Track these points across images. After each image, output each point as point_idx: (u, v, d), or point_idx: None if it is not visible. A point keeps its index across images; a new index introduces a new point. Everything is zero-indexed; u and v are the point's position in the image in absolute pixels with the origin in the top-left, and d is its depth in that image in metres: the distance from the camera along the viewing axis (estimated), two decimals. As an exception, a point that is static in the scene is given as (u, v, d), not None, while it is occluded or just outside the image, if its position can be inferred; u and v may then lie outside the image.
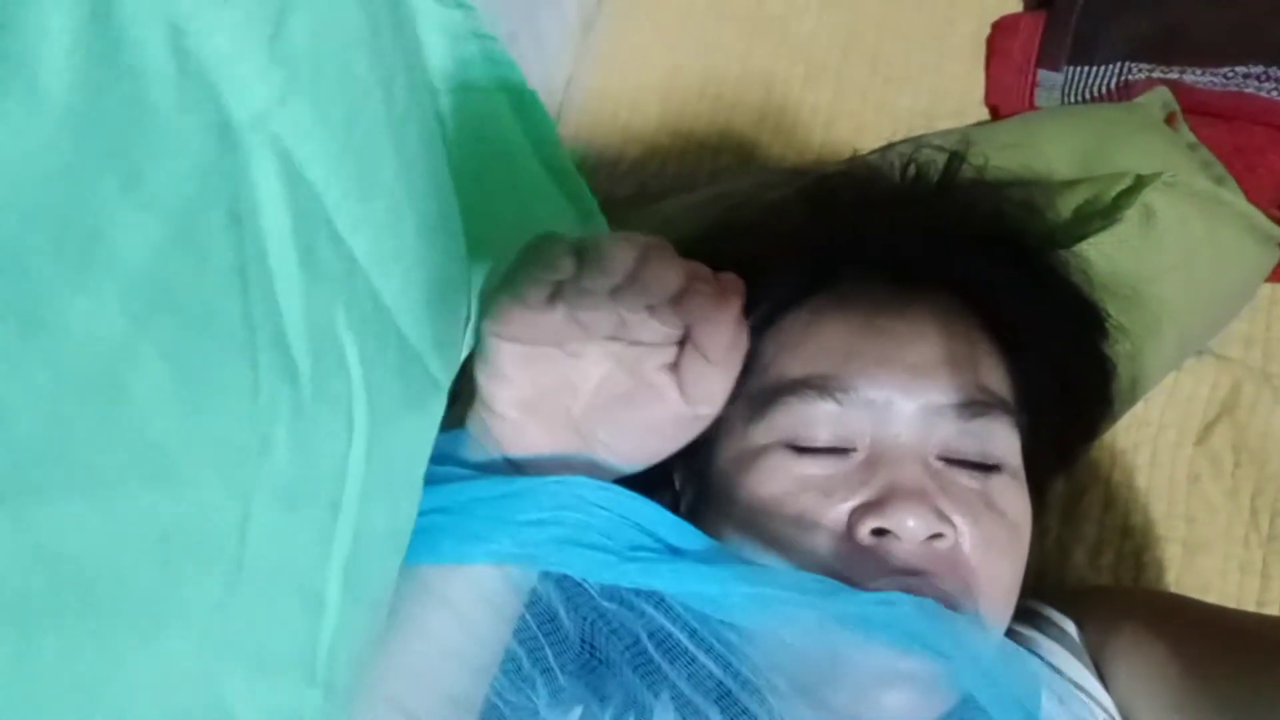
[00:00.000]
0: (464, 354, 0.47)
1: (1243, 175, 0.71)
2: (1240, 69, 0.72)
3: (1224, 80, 0.72)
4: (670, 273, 0.42)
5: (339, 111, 0.31)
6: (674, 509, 0.48)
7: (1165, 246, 0.62)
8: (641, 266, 0.42)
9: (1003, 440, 0.48)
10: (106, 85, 0.23)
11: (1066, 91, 0.76)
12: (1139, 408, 0.66)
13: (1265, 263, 0.67)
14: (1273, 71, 0.71)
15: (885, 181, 0.59)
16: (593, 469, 0.46)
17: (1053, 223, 0.61)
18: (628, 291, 0.41)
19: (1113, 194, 0.62)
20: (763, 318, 0.52)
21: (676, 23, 0.85)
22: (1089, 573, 0.64)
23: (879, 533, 0.45)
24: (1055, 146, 0.67)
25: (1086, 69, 0.75)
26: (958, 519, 0.46)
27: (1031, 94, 0.77)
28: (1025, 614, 0.54)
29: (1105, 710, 0.49)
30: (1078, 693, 0.49)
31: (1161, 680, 0.46)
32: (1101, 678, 0.50)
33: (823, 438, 0.48)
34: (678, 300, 0.42)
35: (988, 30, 0.81)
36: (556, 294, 0.41)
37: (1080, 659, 0.50)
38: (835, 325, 0.50)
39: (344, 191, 0.32)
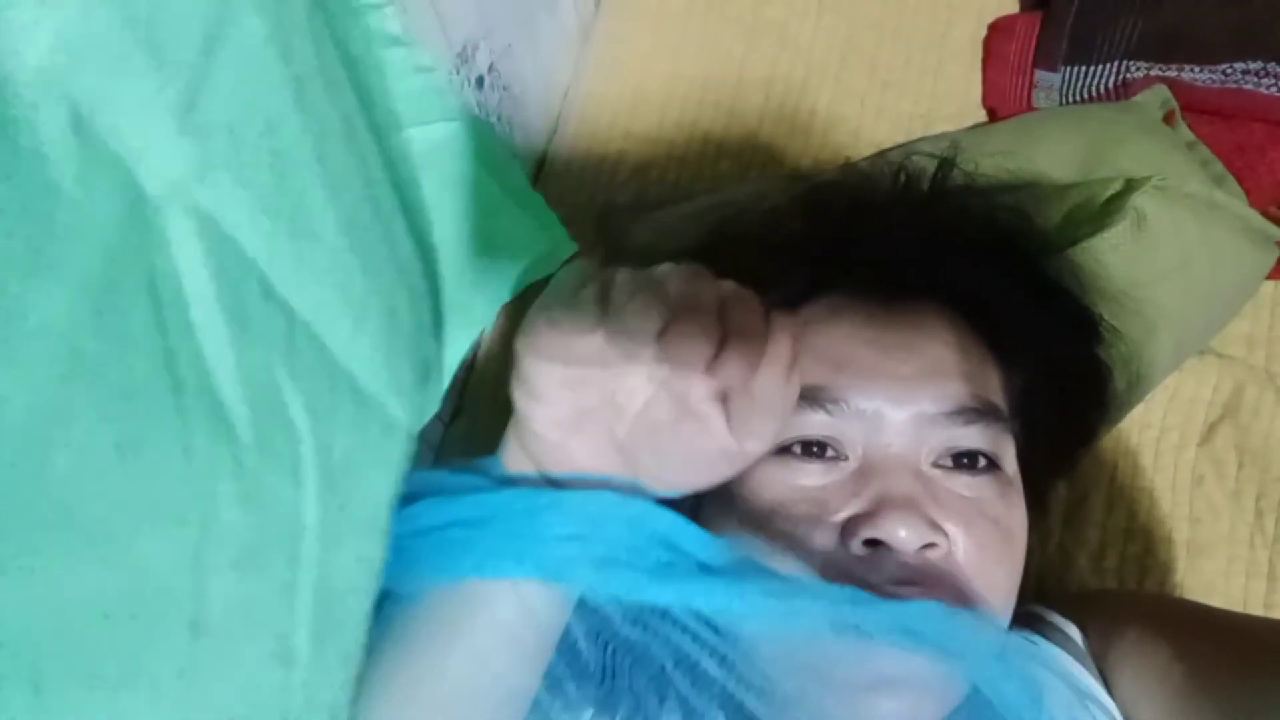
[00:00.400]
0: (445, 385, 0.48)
1: (1242, 173, 0.70)
2: (1239, 66, 0.71)
3: (1223, 77, 0.72)
4: (708, 290, 0.42)
5: (266, 175, 0.32)
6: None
7: (1159, 250, 0.62)
8: (681, 287, 0.41)
9: (995, 447, 0.48)
10: (6, 169, 0.24)
11: (1064, 92, 0.76)
12: (1141, 410, 0.66)
13: (1263, 263, 0.67)
14: (1271, 68, 0.70)
15: (877, 189, 0.59)
16: (634, 491, 0.46)
17: (1045, 227, 0.61)
18: (668, 312, 0.40)
19: (1103, 198, 0.62)
20: None
21: (675, 28, 0.85)
22: (1092, 576, 0.63)
23: (872, 543, 0.45)
24: (1053, 148, 0.67)
25: (1084, 69, 0.75)
26: (950, 527, 0.46)
27: (1029, 95, 0.77)
28: (1028, 619, 0.54)
29: (1109, 715, 0.48)
30: (1081, 698, 0.49)
31: (1165, 685, 0.45)
32: (1105, 682, 0.50)
33: (814, 448, 0.48)
34: (720, 321, 0.41)
35: (985, 32, 0.81)
36: (596, 315, 0.40)
37: (1084, 664, 0.50)
38: (827, 336, 0.50)
39: (277, 251, 0.33)
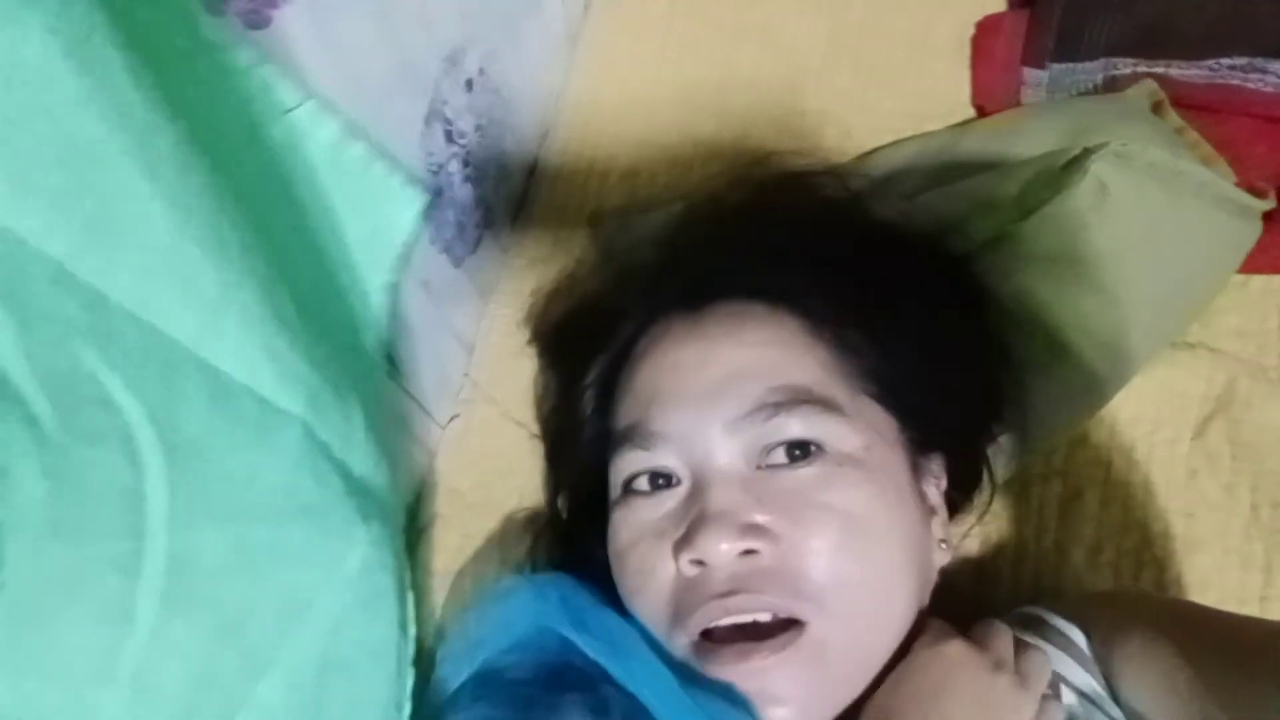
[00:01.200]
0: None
1: (1231, 166, 0.70)
2: (1225, 61, 0.71)
3: (1209, 73, 0.72)
4: None
5: (53, 171, 0.33)
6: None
7: (1123, 219, 0.61)
8: None
9: (814, 431, 0.48)
10: None
11: (1052, 89, 0.76)
12: (1134, 404, 0.66)
13: (1241, 234, 0.66)
14: (1257, 63, 0.70)
15: (702, 215, 0.63)
16: None
17: (935, 215, 0.62)
18: None
19: (1060, 164, 0.62)
20: (603, 376, 0.56)
21: (660, 32, 0.85)
22: (1088, 572, 0.63)
23: (698, 563, 0.47)
24: (1037, 139, 0.67)
25: (1072, 66, 0.75)
26: (778, 525, 0.46)
27: (1017, 92, 0.77)
28: (1030, 622, 0.54)
29: (1113, 719, 0.48)
30: (1085, 701, 0.49)
31: (1168, 687, 0.45)
32: (1109, 685, 0.49)
33: (650, 483, 0.50)
34: None
35: (971, 30, 0.81)
36: None
37: (1087, 667, 0.50)
38: (641, 372, 0.53)
39: (78, 242, 0.35)
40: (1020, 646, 0.49)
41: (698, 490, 0.48)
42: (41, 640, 0.35)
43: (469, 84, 0.66)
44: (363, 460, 0.51)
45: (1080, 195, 0.60)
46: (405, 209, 0.56)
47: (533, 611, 0.53)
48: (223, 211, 0.39)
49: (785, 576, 0.46)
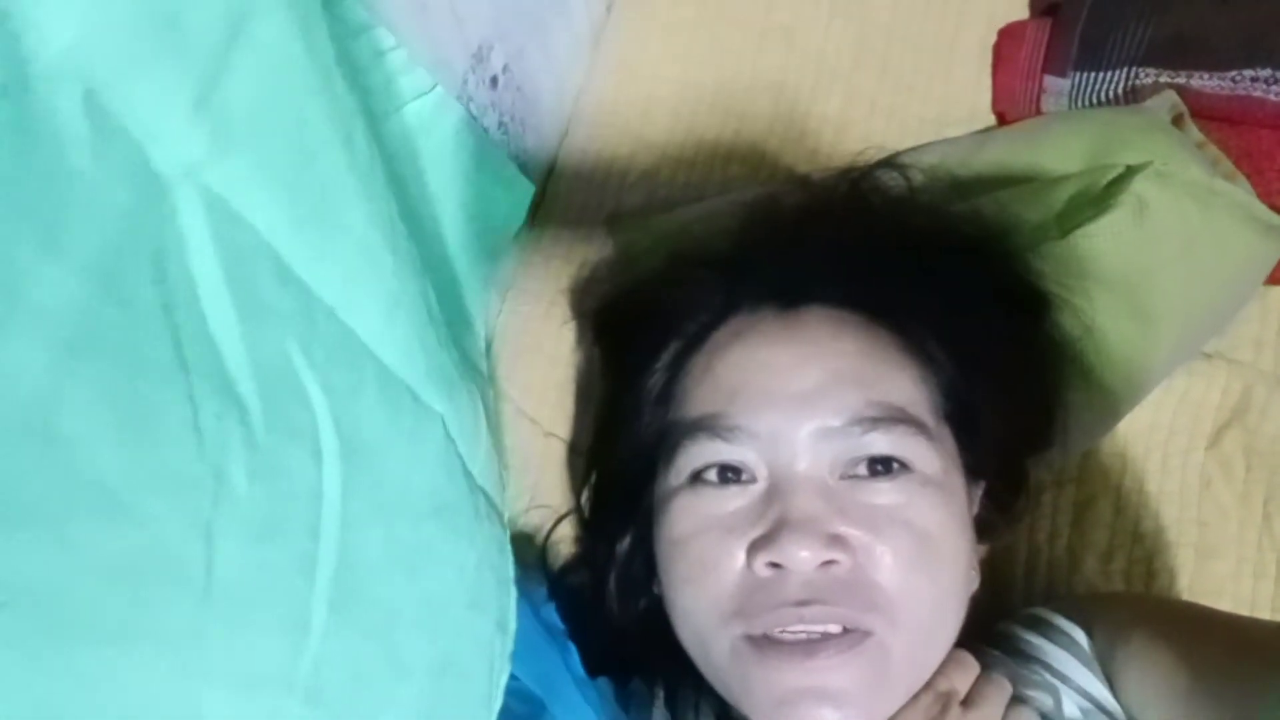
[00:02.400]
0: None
1: (1250, 178, 0.70)
2: (1248, 73, 0.71)
3: (1231, 84, 0.72)
4: None
5: (288, 159, 0.33)
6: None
7: (1161, 238, 0.61)
8: None
9: (904, 450, 0.48)
10: (22, 152, 0.25)
11: (1073, 97, 0.76)
12: (1149, 413, 0.66)
13: (1268, 253, 0.66)
14: (1279, 74, 0.70)
15: (811, 201, 0.61)
16: None
17: (1013, 226, 0.61)
18: None
19: (1104, 183, 0.62)
20: (673, 361, 0.55)
21: (686, 33, 0.85)
22: (1100, 579, 0.63)
23: (775, 565, 0.46)
24: (1058, 148, 0.67)
25: (1093, 74, 0.75)
26: (859, 539, 0.46)
27: (1038, 100, 0.77)
28: (1035, 623, 0.54)
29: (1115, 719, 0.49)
30: (1087, 703, 0.49)
31: (1170, 689, 0.45)
32: (1111, 686, 0.50)
33: (719, 476, 0.50)
34: None
35: (995, 37, 0.81)
36: None
37: (1090, 668, 0.50)
38: (725, 362, 0.52)
39: (298, 236, 0.34)
40: (981, 676, 0.49)
41: (776, 492, 0.48)
42: (241, 649, 0.33)
43: (494, 81, 0.67)
44: (482, 460, 0.51)
45: (1121, 213, 0.60)
46: (520, 199, 0.55)
47: None
48: (392, 202, 0.39)
49: (860, 589, 0.46)
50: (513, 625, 0.56)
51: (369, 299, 0.38)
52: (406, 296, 0.41)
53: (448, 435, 0.46)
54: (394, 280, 0.39)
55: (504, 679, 0.54)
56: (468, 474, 0.50)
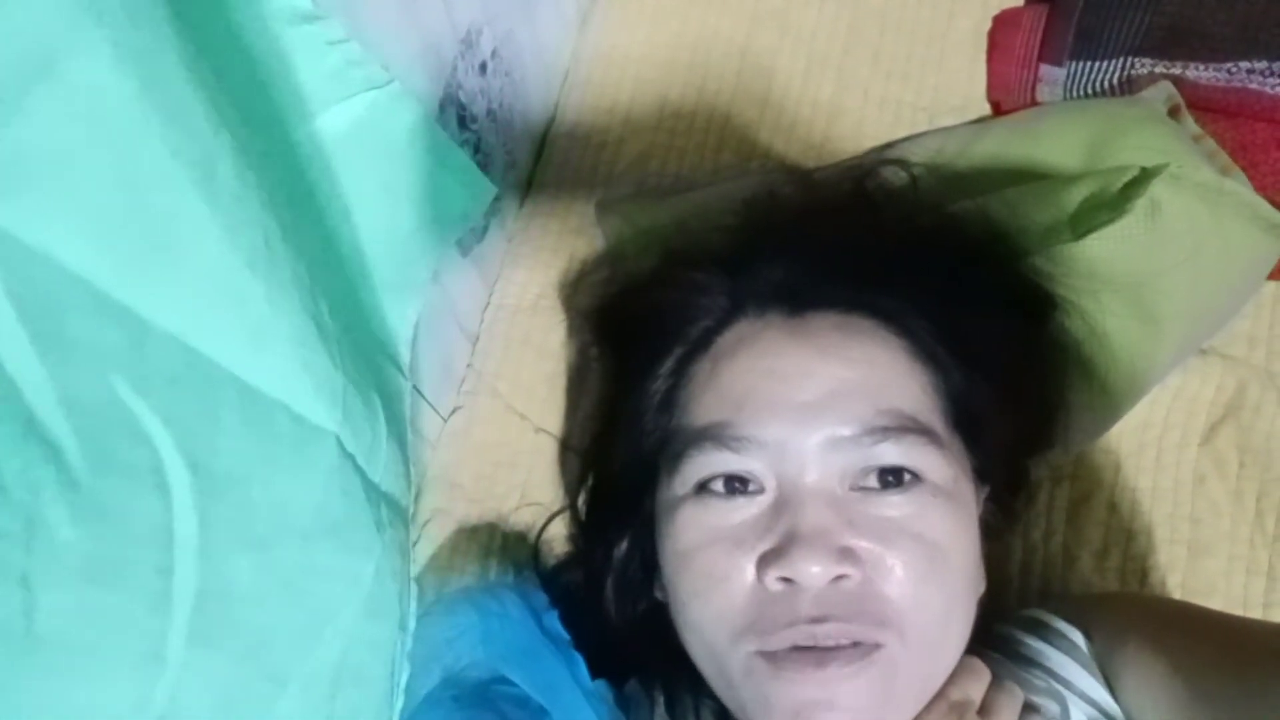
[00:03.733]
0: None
1: (1245, 171, 0.70)
2: (1244, 64, 0.71)
3: (1227, 76, 0.71)
4: None
5: (110, 195, 0.32)
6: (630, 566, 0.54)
7: (1172, 240, 0.61)
8: None
9: (915, 460, 0.47)
10: None
11: (1069, 86, 0.75)
12: (1143, 409, 0.66)
13: (1272, 252, 0.66)
14: (1276, 67, 0.70)
15: (793, 203, 0.60)
16: None
17: (1006, 231, 0.60)
18: None
19: (1119, 186, 0.61)
20: (676, 367, 0.53)
21: (675, 16, 0.83)
22: (1095, 576, 0.63)
23: (786, 580, 0.45)
24: (1058, 141, 0.67)
25: (1089, 64, 0.74)
26: (868, 550, 0.45)
27: (1033, 89, 0.76)
28: (1033, 625, 0.54)
29: (1115, 720, 0.49)
30: (1093, 709, 0.49)
31: (1168, 690, 0.45)
32: (1110, 687, 0.49)
33: (726, 487, 0.48)
34: None
35: (990, 24, 0.80)
36: None
37: (1089, 670, 0.50)
38: (731, 369, 0.51)
39: (125, 266, 0.33)
40: (994, 685, 0.49)
41: (785, 503, 0.47)
42: (77, 691, 0.33)
43: (483, 67, 0.65)
44: (383, 467, 0.50)
45: (1134, 216, 0.59)
46: (479, 197, 0.54)
47: (477, 635, 0.54)
48: (276, 219, 0.37)
49: (870, 603, 0.45)
50: (412, 623, 0.57)
51: (228, 325, 0.37)
52: (285, 319, 0.39)
53: (343, 452, 0.45)
54: (265, 305, 0.38)
55: (404, 678, 0.55)
56: (369, 485, 0.49)
